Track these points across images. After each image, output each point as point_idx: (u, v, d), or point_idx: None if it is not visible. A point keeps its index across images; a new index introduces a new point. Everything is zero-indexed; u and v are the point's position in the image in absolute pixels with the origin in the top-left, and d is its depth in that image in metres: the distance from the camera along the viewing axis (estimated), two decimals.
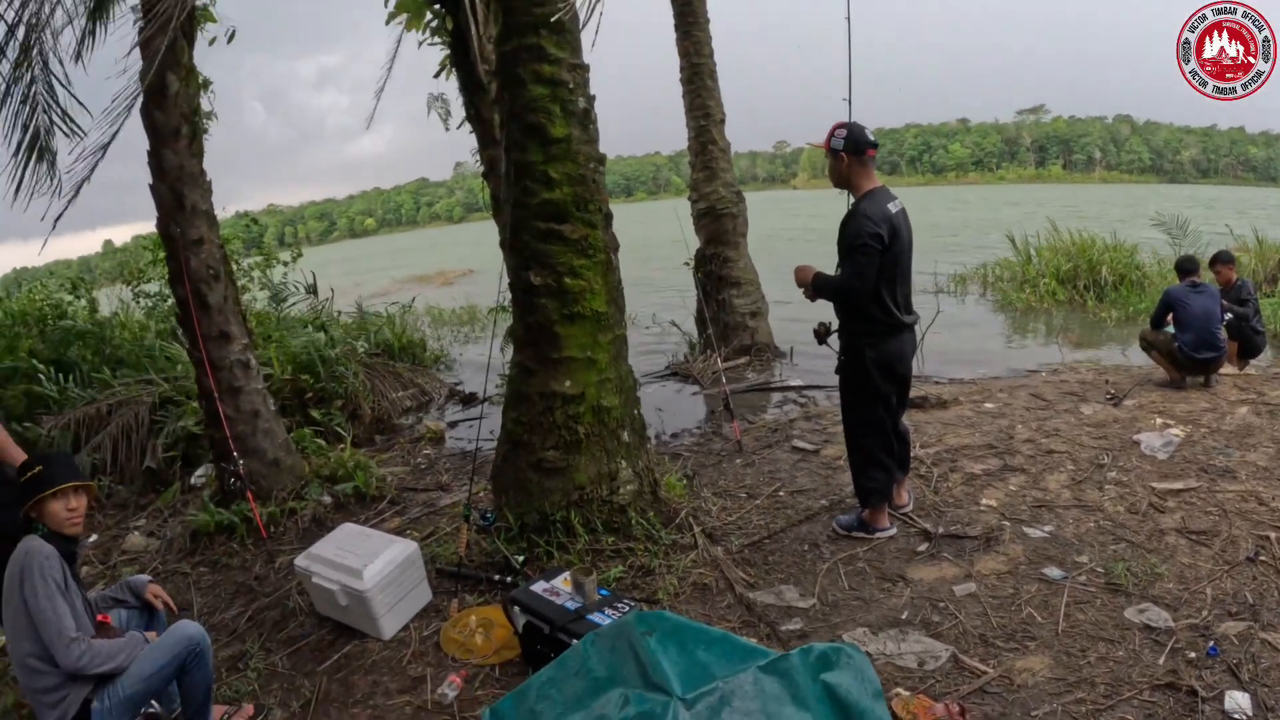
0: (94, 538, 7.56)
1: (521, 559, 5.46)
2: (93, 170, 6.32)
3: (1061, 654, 4.14)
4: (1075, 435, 7.28)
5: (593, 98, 5.77)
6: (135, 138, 6.63)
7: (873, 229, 4.86)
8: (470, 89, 9.56)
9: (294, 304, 14.03)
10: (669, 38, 12.68)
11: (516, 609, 4.50)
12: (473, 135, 9.96)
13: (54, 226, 6.20)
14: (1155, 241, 18.02)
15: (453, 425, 10.47)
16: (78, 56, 7.06)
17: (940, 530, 5.60)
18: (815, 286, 5.26)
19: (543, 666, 3.40)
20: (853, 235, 4.94)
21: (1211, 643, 4.04)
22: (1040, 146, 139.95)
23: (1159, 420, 7.39)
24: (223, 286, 7.03)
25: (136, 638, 3.92)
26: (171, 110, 6.62)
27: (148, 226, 11.33)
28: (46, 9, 6.61)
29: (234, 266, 8.97)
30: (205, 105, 7.18)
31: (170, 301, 9.71)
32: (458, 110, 10.12)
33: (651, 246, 25.03)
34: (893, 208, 5.01)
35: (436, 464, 8.75)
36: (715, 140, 12.56)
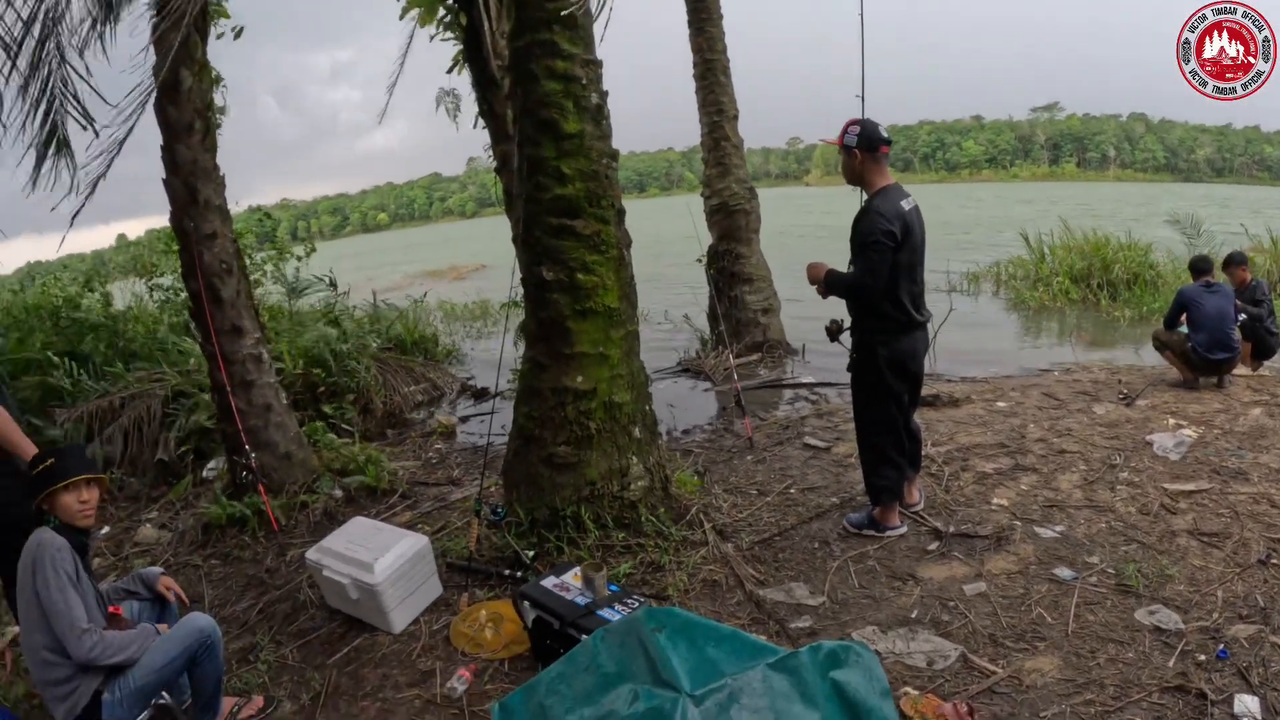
0: (106, 530, 7.60)
1: (532, 554, 5.46)
2: (108, 166, 6.34)
3: (1071, 655, 4.13)
4: (1087, 435, 7.26)
5: (605, 93, 5.77)
6: (149, 133, 6.66)
7: (885, 226, 4.85)
8: (483, 84, 9.56)
9: (316, 294, 14.01)
10: (682, 33, 12.68)
11: (526, 604, 4.51)
12: (485, 130, 9.96)
13: (71, 223, 6.22)
14: (1169, 241, 17.96)
15: (464, 420, 10.47)
16: (81, 52, 7.08)
17: (951, 529, 5.59)
18: (827, 283, 5.25)
19: (552, 661, 3.40)
20: (865, 232, 4.93)
21: (1222, 645, 4.02)
22: (1054, 144, 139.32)
23: (1172, 421, 7.36)
24: (235, 281, 7.05)
25: (148, 629, 3.94)
26: (185, 105, 6.63)
27: (161, 221, 11.39)
28: (64, 2, 6.64)
29: (247, 261, 8.98)
30: (218, 100, 7.21)
31: (183, 295, 9.74)
32: (470, 105, 10.12)
33: (664, 242, 25.05)
34: (906, 205, 5.00)
35: (448, 458, 8.77)
36: (728, 136, 12.56)
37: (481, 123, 9.94)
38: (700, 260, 12.47)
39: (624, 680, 2.85)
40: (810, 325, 10.42)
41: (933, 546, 5.43)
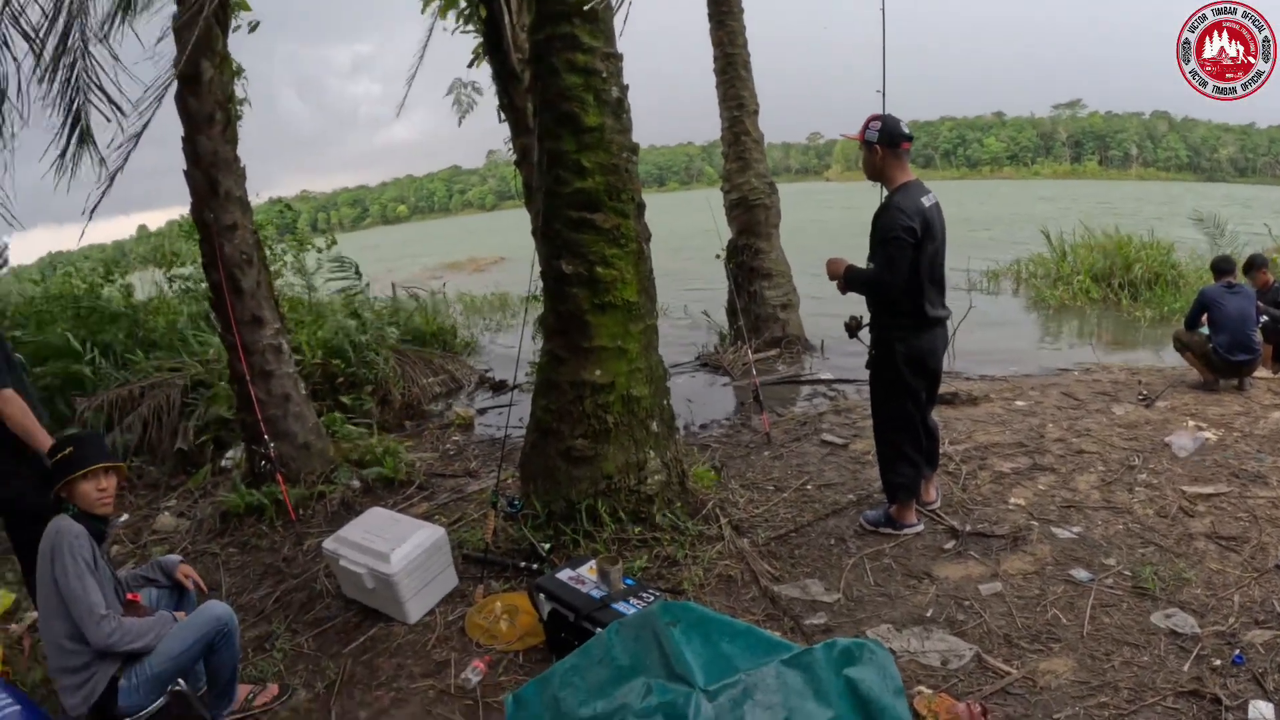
0: (125, 517, 7.65)
1: (548, 547, 5.47)
2: (126, 159, 6.38)
3: (1086, 657, 4.11)
4: (1106, 436, 7.21)
5: (626, 87, 5.76)
6: (170, 124, 6.69)
7: (906, 222, 4.83)
8: (503, 77, 9.58)
9: (341, 279, 14.03)
10: (703, 27, 12.66)
11: (542, 596, 4.52)
12: (505, 123, 9.98)
13: (90, 216, 6.27)
14: (1190, 240, 17.83)
15: (482, 412, 10.50)
16: (107, 38, 7.11)
17: (967, 528, 5.56)
18: (847, 279, 5.24)
19: (566, 654, 3.41)
20: (885, 228, 4.91)
21: (1237, 651, 3.98)
22: (1076, 142, 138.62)
23: (1191, 423, 7.31)
24: (256, 271, 7.08)
25: (165, 617, 3.97)
26: (206, 97, 6.67)
27: (181, 211, 11.45)
28: None
29: (267, 252, 9.02)
30: (239, 92, 7.24)
31: (204, 285, 9.79)
32: (490, 98, 10.14)
33: (683, 237, 25.03)
34: (926, 201, 4.98)
35: (465, 450, 8.79)
36: (748, 131, 12.53)
37: (501, 116, 9.96)
38: (720, 255, 12.44)
39: (638, 674, 2.86)
40: (829, 321, 10.40)
41: (949, 545, 5.41)
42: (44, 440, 4.58)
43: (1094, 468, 6.53)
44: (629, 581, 4.57)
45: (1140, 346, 12.47)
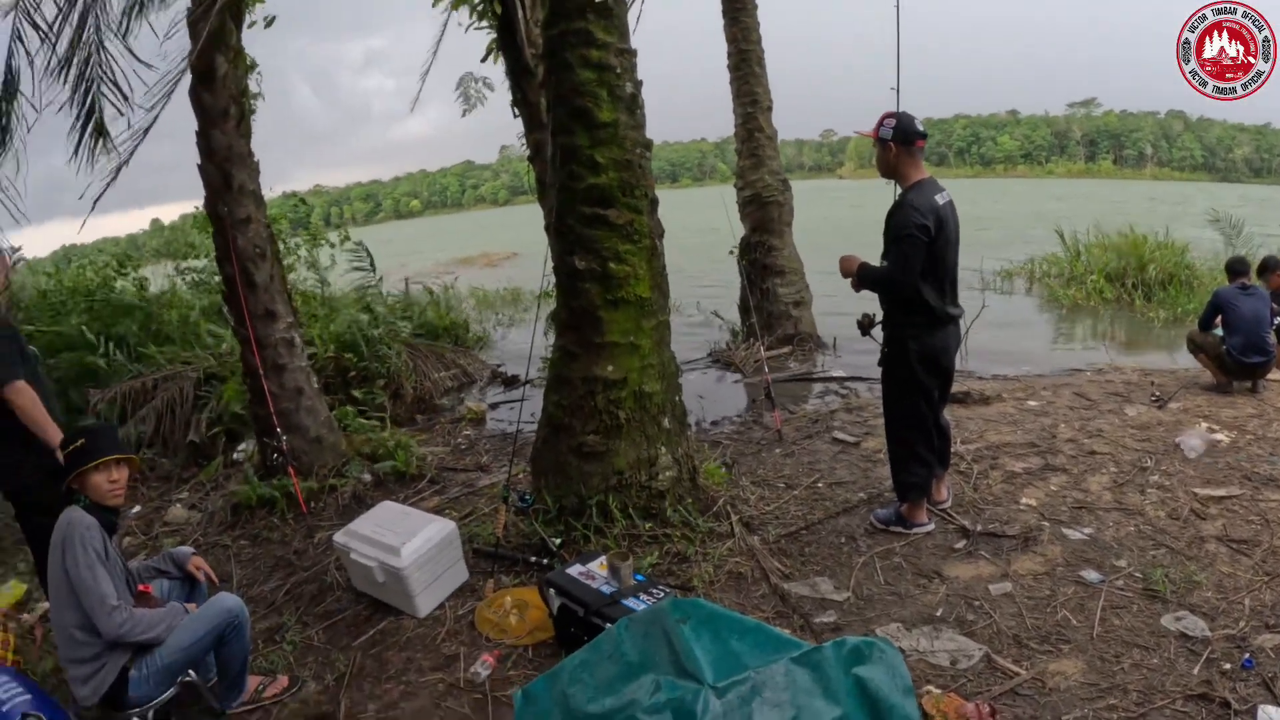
0: (137, 509, 7.68)
1: (558, 542, 5.48)
2: (131, 154, 6.41)
3: (1095, 659, 4.10)
4: (1118, 436, 7.18)
5: (640, 82, 5.76)
6: (184, 118, 6.73)
7: (919, 220, 4.81)
8: (517, 73, 9.57)
9: (356, 271, 14.03)
10: (717, 23, 12.64)
11: (552, 591, 4.53)
12: (518, 119, 9.98)
13: (93, 207, 6.30)
14: (1204, 240, 17.72)
15: (494, 407, 10.51)
16: (124, 35, 7.14)
17: (978, 528, 5.55)
18: (860, 277, 5.22)
19: (576, 649, 3.41)
20: (899, 226, 4.90)
21: (1247, 655, 3.96)
22: (1090, 141, 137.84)
23: (1204, 425, 7.27)
24: (269, 265, 7.11)
25: (176, 608, 3.99)
26: (220, 92, 6.70)
27: (195, 205, 11.48)
28: None
29: (281, 246, 9.04)
30: (253, 87, 7.25)
31: (216, 278, 9.83)
32: (503, 93, 10.14)
33: (695, 233, 25.00)
34: (940, 199, 4.96)
35: (476, 445, 8.81)
36: (762, 127, 12.50)
37: (515, 111, 9.95)
38: (732, 252, 12.42)
39: (647, 670, 2.86)
40: (842, 319, 10.39)
41: (959, 545, 5.40)
42: (53, 434, 4.60)
43: (1106, 469, 6.50)
44: (639, 577, 4.57)
45: (1153, 347, 12.41)
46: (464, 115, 12.40)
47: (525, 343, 8.02)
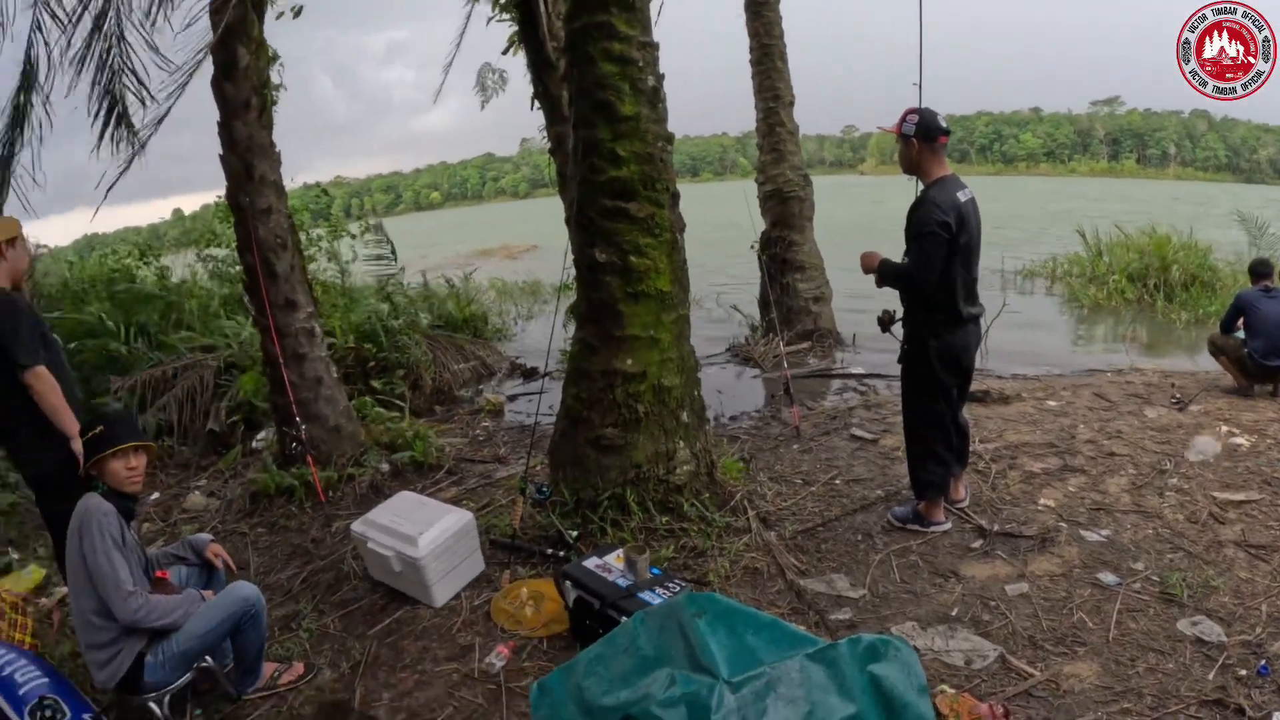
0: (156, 496, 7.74)
1: (575, 534, 5.49)
2: (145, 144, 6.45)
3: (1110, 662, 4.08)
4: (1138, 438, 7.13)
5: (662, 76, 5.76)
6: (206, 109, 6.76)
7: (941, 217, 4.79)
8: (538, 66, 9.60)
9: (379, 260, 14.05)
10: (740, 18, 12.60)
11: (568, 583, 4.53)
12: (540, 111, 10.00)
13: (105, 195, 6.36)
14: (1227, 242, 17.56)
15: (512, 399, 10.54)
16: (153, 23, 7.17)
17: (995, 528, 5.53)
18: (881, 273, 5.21)
19: (591, 641, 3.42)
20: (920, 222, 4.88)
21: (1263, 661, 3.93)
22: (1114, 140, 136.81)
23: (1224, 428, 7.21)
24: (290, 255, 7.14)
25: (193, 595, 4.02)
26: (242, 83, 6.73)
27: (217, 195, 11.54)
28: None
29: (302, 237, 9.08)
30: (274, 78, 7.29)
31: (237, 267, 9.88)
32: (525, 86, 10.16)
33: (715, 228, 24.96)
34: (962, 196, 4.94)
35: (495, 436, 8.83)
36: (784, 122, 12.47)
37: (536, 103, 9.97)
38: (753, 247, 12.39)
39: (662, 664, 2.86)
40: (861, 316, 10.37)
41: (976, 544, 5.38)
42: (70, 422, 4.62)
43: (1125, 470, 6.46)
44: (655, 571, 4.58)
45: (1174, 349, 12.32)
46: (483, 108, 12.44)
47: (544, 335, 8.01)
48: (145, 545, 4.32)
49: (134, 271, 12.74)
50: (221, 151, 6.92)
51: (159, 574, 4.15)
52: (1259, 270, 8.70)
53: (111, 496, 3.92)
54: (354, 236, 14.48)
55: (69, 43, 6.91)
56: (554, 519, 5.69)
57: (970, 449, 6.01)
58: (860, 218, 34.98)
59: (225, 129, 6.83)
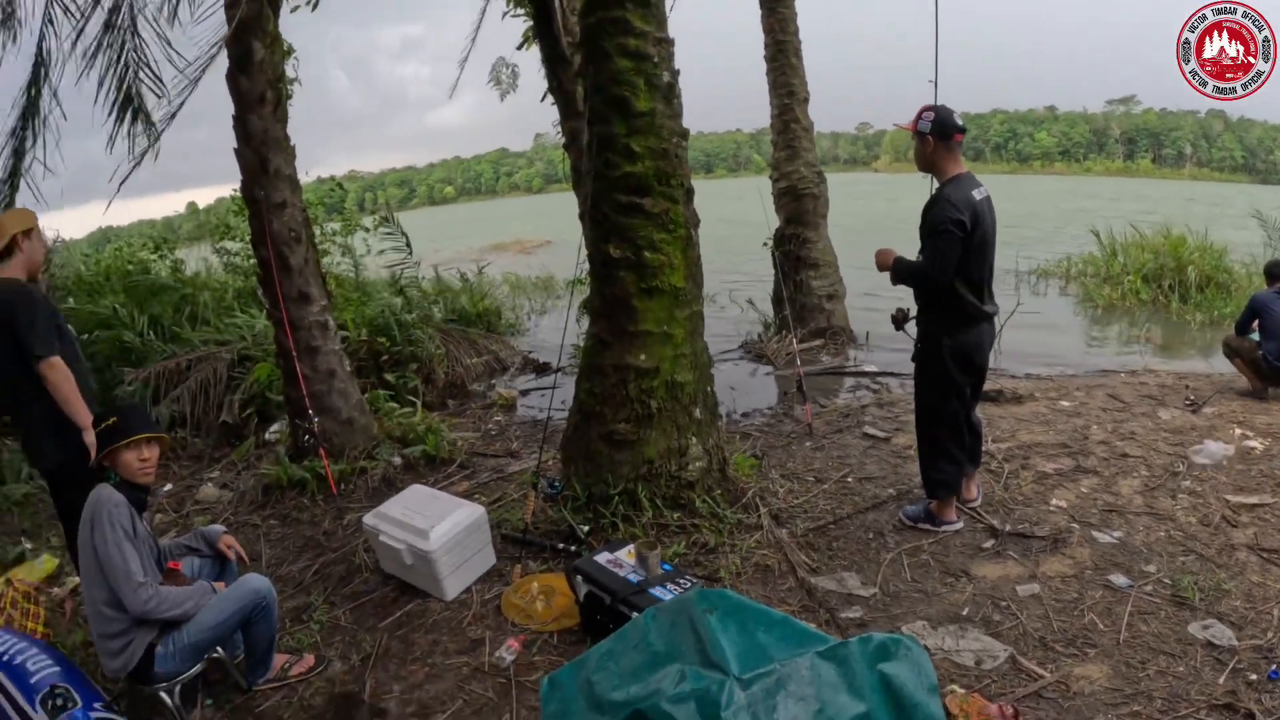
0: (169, 487, 7.77)
1: (586, 529, 5.51)
2: (159, 137, 6.47)
3: (1121, 664, 4.07)
4: (1151, 440, 7.09)
5: (677, 72, 5.76)
6: (221, 103, 6.78)
7: (955, 215, 4.77)
8: (553, 61, 9.60)
9: (394, 252, 14.04)
10: (754, 14, 12.58)
11: (579, 578, 4.54)
12: (554, 107, 10.00)
13: (119, 189, 6.37)
14: (1241, 242, 17.43)
15: (525, 393, 10.55)
16: (174, 14, 7.19)
17: (1007, 528, 5.52)
18: (895, 270, 5.20)
19: (601, 636, 3.42)
20: (935, 220, 4.86)
21: (1274, 666, 3.91)
22: (1129, 139, 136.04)
23: (1238, 431, 7.16)
24: (304, 249, 7.16)
25: (204, 587, 4.03)
26: (257, 76, 6.75)
27: (232, 189, 11.59)
28: None
29: (316, 231, 9.09)
30: (289, 72, 7.30)
31: (251, 260, 9.90)
32: (539, 81, 10.17)
33: (729, 224, 24.93)
34: (977, 195, 4.92)
35: (507, 431, 8.84)
36: (798, 119, 12.44)
37: (550, 99, 9.97)
38: (767, 244, 12.37)
39: (673, 660, 2.86)
40: (874, 314, 10.35)
41: (988, 544, 5.37)
42: (83, 413, 4.64)
43: (1137, 472, 6.43)
44: (666, 567, 4.59)
45: (1189, 350, 12.25)
46: (502, 99, 12.46)
47: (557, 330, 8.03)
48: (158, 536, 4.34)
49: (148, 264, 12.78)
50: (236, 145, 6.93)
51: (171, 565, 4.17)
52: (1274, 272, 8.64)
53: (124, 487, 3.94)
54: (367, 230, 14.50)
55: (78, 36, 6.94)
56: (566, 514, 5.70)
57: (983, 448, 6.00)
58: (874, 215, 34.91)
59: (240, 123, 6.85)
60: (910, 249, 5.30)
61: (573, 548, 5.40)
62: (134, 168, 6.40)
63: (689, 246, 5.78)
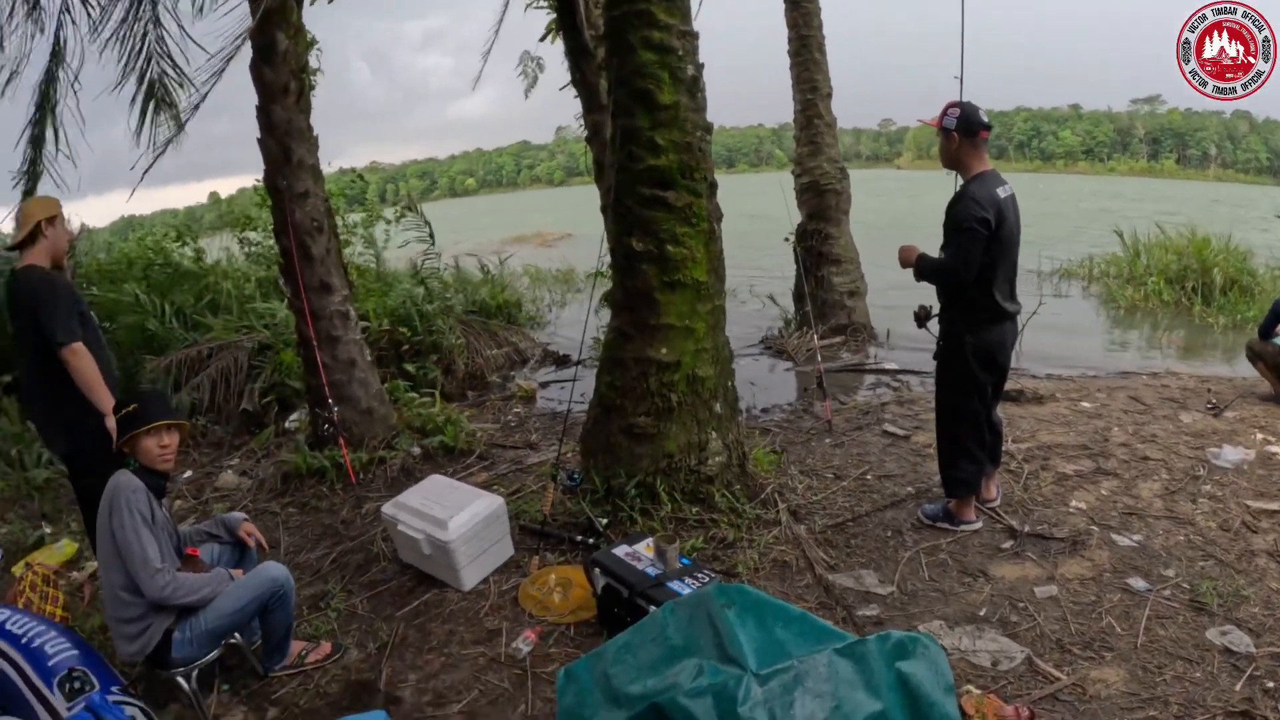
0: (189, 474, 7.81)
1: (605, 522, 5.51)
2: (183, 127, 6.50)
3: (1138, 668, 4.04)
4: (1172, 443, 7.04)
5: (701, 65, 5.75)
6: (242, 95, 6.81)
7: (980, 213, 4.74)
8: (576, 54, 9.59)
9: (412, 239, 14.04)
10: (778, 9, 12.53)
11: (597, 570, 4.54)
12: (577, 99, 9.99)
13: (142, 178, 6.42)
14: (1265, 245, 17.27)
15: (544, 385, 10.55)
16: (201, 8, 7.23)
17: (1026, 529, 5.49)
18: (918, 267, 5.17)
19: (618, 629, 3.42)
20: (959, 217, 4.83)
21: None
22: (1154, 139, 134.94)
23: (1260, 436, 7.11)
24: (325, 239, 7.19)
25: (221, 574, 4.06)
26: (281, 67, 6.78)
27: (254, 179, 11.63)
28: None
29: (338, 222, 9.13)
30: (313, 63, 7.32)
31: (274, 250, 9.94)
32: (561, 74, 10.16)
33: (750, 219, 24.87)
34: (1002, 192, 4.89)
35: (526, 423, 8.85)
36: (821, 114, 12.38)
37: (572, 91, 9.96)
38: (788, 239, 12.33)
39: (690, 654, 2.87)
40: (896, 311, 10.31)
41: (1006, 545, 5.35)
42: (105, 398, 4.67)
43: (1158, 475, 6.39)
44: (685, 561, 4.59)
45: (1211, 353, 12.15)
46: (526, 95, 12.47)
47: (577, 323, 8.02)
48: (177, 522, 4.37)
49: (169, 252, 12.83)
50: (259, 135, 6.97)
51: (190, 551, 4.20)
52: None
53: (143, 474, 3.97)
54: (389, 222, 14.53)
55: (94, 25, 6.98)
56: (584, 506, 5.71)
57: (1003, 448, 5.97)
58: (896, 212, 34.72)
59: (263, 113, 6.88)
60: (932, 246, 5.28)
61: (591, 540, 5.41)
62: (158, 156, 6.45)
63: (712, 240, 5.77)
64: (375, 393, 7.65)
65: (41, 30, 7.42)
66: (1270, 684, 3.85)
